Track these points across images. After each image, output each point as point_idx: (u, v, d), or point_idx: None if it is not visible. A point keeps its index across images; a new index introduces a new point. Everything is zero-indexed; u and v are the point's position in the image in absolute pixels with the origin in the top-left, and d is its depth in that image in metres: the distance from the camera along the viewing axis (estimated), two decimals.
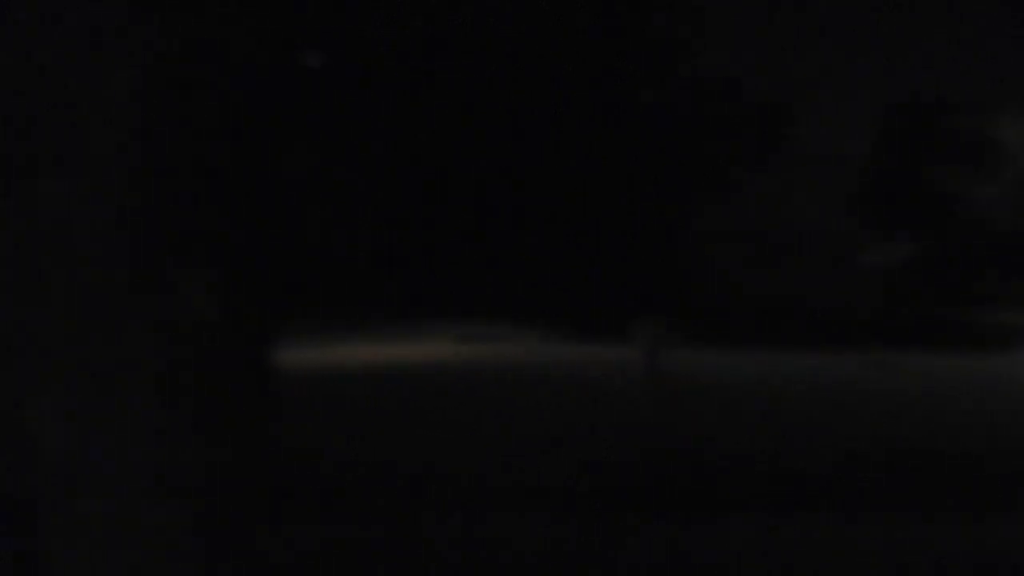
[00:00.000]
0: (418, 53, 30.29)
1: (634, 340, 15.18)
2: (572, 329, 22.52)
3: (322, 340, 20.16)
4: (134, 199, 2.47)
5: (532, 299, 26.33)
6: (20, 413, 2.46)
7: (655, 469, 8.72)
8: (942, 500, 7.90)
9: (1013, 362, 18.65)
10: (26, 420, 2.45)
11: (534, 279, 28.58)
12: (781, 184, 35.83)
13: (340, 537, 6.73)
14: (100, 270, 2.47)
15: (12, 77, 2.48)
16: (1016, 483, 8.33)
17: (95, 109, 2.47)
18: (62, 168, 2.45)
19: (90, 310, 2.47)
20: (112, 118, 2.48)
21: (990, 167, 36.99)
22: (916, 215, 36.97)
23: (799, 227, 34.22)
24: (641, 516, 7.32)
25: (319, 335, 20.84)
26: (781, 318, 24.90)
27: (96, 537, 2.50)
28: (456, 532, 6.84)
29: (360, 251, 29.48)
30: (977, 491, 8.22)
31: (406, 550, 6.48)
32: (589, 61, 31.15)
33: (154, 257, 2.48)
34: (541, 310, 25.02)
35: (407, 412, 12.06)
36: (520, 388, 14.53)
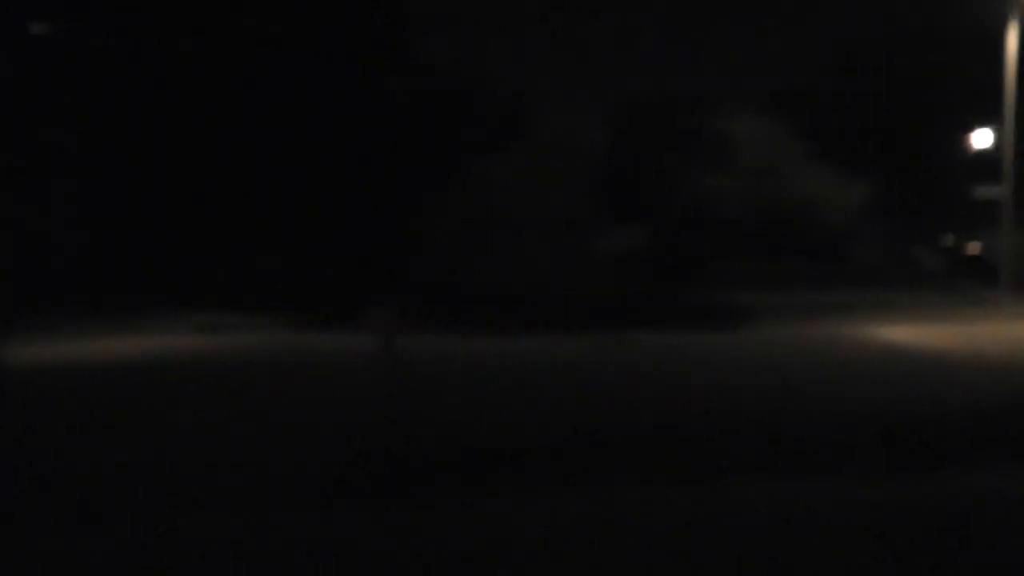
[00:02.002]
0: (135, 31, 29.20)
1: (370, 327, 14.84)
2: (312, 317, 22.04)
3: (61, 334, 19.06)
4: None
5: (272, 287, 25.74)
6: None
7: (393, 456, 8.44)
8: (658, 470, 7.99)
9: (740, 339, 19.33)
10: None
11: (273, 267, 27.92)
12: (520, 172, 36.22)
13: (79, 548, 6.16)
14: None
15: None
16: (733, 452, 8.53)
17: None
18: None
19: None
20: None
21: (720, 160, 38.60)
22: (649, 203, 38.21)
23: (537, 213, 34.69)
24: (378, 503, 7.09)
25: (59, 329, 19.79)
26: (519, 302, 25.06)
27: None
28: (200, 531, 6.41)
29: (87, 243, 28.09)
30: (694, 461, 8.34)
31: (151, 552, 6.00)
32: (328, 45, 30.62)
33: None
34: (281, 298, 24.45)
35: (143, 407, 11.34)
36: (258, 377, 13.99)
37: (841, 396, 11.92)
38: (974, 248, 44.57)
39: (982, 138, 35.89)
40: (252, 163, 29.58)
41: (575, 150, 38.81)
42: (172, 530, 6.41)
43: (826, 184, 38.07)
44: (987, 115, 29.31)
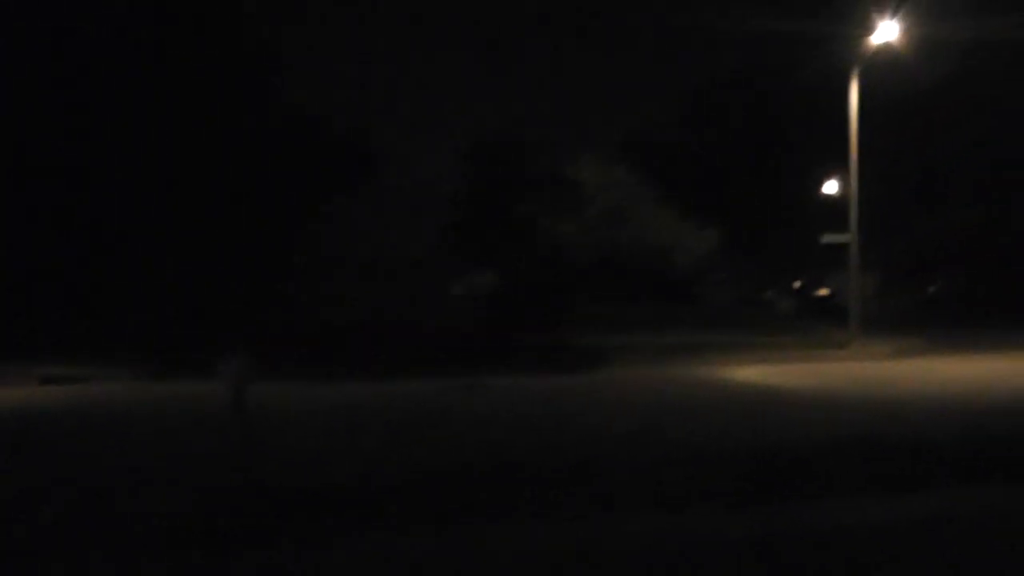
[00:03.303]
0: None
1: (221, 375, 14.14)
2: (163, 366, 21.23)
3: None
4: None
5: (123, 337, 24.81)
6: None
7: (232, 502, 8.09)
8: (503, 508, 7.79)
9: (592, 380, 19.17)
10: None
11: (123, 316, 26.91)
12: (375, 214, 35.72)
13: None
14: None
15: None
16: (568, 490, 8.28)
17: None
18: None
19: None
20: None
21: (571, 204, 38.80)
22: (503, 246, 38.12)
23: (390, 255, 34.18)
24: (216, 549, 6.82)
25: None
26: (372, 344, 24.59)
27: None
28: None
29: None
30: (538, 499, 8.06)
31: None
32: (184, 86, 29.50)
33: None
34: (131, 348, 23.56)
35: None
36: (103, 428, 13.26)
37: (689, 434, 11.89)
38: (823, 290, 45.69)
39: (830, 185, 36.83)
40: (99, 211, 28.50)
41: (430, 192, 38.60)
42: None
43: (677, 229, 38.55)
44: (838, 162, 29.98)
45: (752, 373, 20.55)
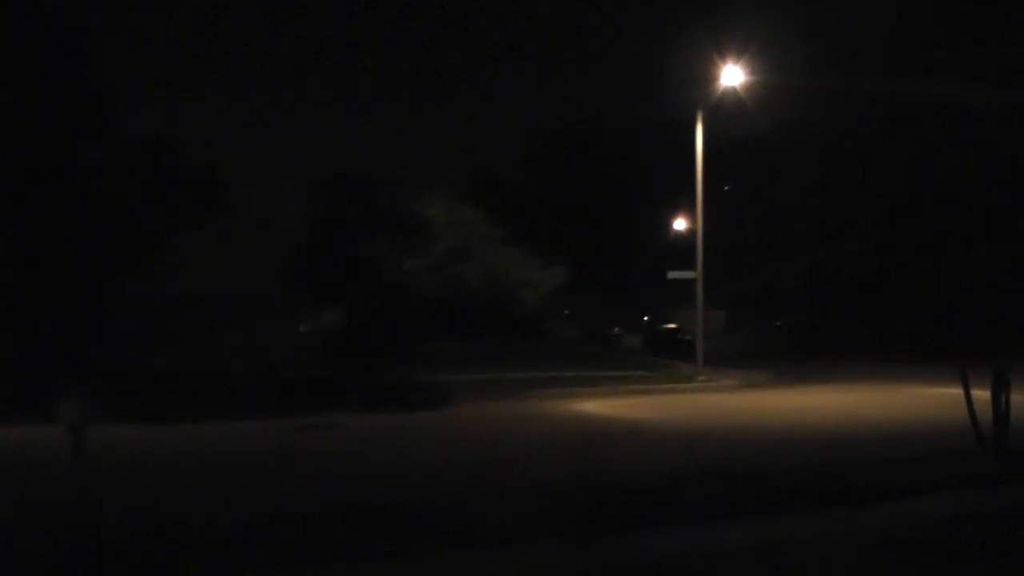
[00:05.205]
0: None
1: (59, 418, 13.19)
2: None
3: None
4: None
5: None
6: None
7: (78, 552, 7.70)
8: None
9: (439, 417, 18.85)
10: None
11: None
12: (218, 251, 34.71)
13: None
14: None
15: None
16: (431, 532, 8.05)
17: None
18: None
19: None
20: None
21: (419, 241, 38.57)
22: (350, 283, 37.53)
23: (239, 293, 33.22)
24: None
25: None
26: (218, 384, 23.69)
27: None
28: None
29: None
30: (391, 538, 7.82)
31: None
32: (19, 118, 28.09)
33: None
34: None
35: None
36: None
37: (534, 468, 11.85)
38: (671, 325, 46.33)
39: (679, 223, 37.42)
40: None
41: (278, 228, 37.80)
42: None
43: (523, 267, 38.64)
44: (687, 201, 30.50)
45: (599, 407, 20.64)
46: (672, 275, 29.92)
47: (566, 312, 56.08)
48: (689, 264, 28.34)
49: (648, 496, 9.41)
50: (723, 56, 26.68)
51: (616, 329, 54.02)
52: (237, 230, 34.67)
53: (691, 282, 28.31)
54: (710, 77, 26.92)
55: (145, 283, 32.18)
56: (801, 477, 10.31)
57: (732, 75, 26.45)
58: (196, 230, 33.99)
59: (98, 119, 31.96)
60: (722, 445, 13.72)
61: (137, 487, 11.06)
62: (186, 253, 33.08)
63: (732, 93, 27.05)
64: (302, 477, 11.68)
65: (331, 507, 9.20)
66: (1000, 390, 11.40)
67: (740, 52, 26.80)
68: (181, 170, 35.76)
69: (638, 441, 14.62)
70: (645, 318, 55.29)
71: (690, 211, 29.99)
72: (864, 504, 9.00)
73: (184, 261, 32.95)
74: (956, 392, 12.08)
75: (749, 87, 27.11)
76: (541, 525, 8.23)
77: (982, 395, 11.45)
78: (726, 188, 41.59)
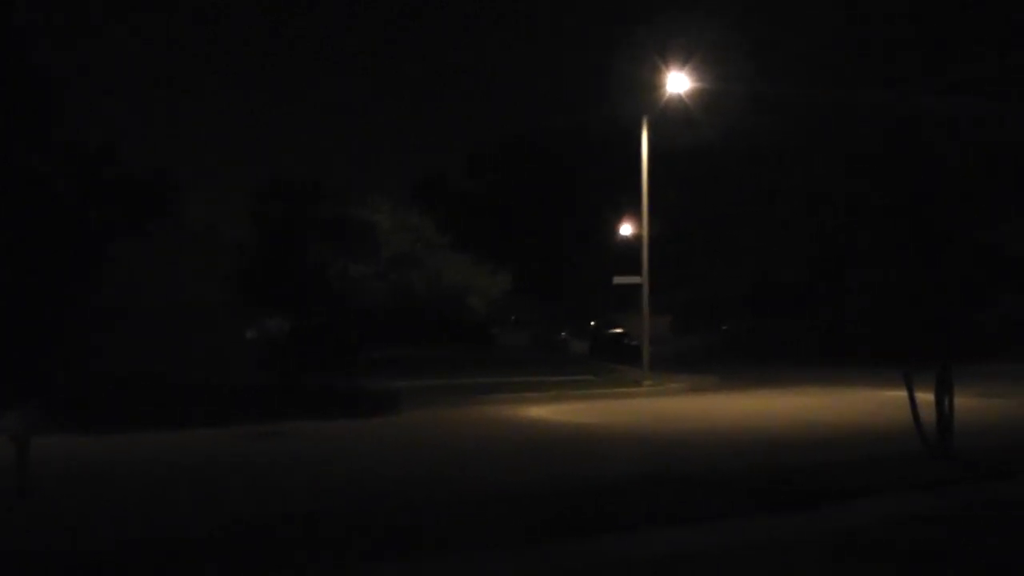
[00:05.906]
0: None
1: (2, 430, 12.94)
2: None
3: None
4: None
5: None
6: None
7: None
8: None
9: (387, 423, 18.83)
10: None
11: None
12: (164, 259, 34.32)
13: None
14: None
15: None
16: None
17: None
18: None
19: None
20: None
21: (365, 248, 38.40)
22: (296, 290, 37.27)
23: (184, 301, 32.89)
24: None
25: None
26: (165, 393, 23.40)
27: None
28: None
29: None
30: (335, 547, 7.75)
31: None
32: None
33: None
34: None
35: None
36: None
37: (481, 474, 11.87)
38: (618, 329, 46.52)
39: (625, 229, 37.56)
40: None
41: (224, 235, 37.46)
42: None
43: (470, 273, 38.59)
44: (633, 207, 30.65)
45: (546, 412, 20.75)
46: (618, 280, 30.08)
47: (514, 318, 56.16)
48: (636, 270, 28.48)
49: (599, 500, 9.42)
50: (668, 63, 26.85)
51: (563, 334, 54.20)
52: (183, 237, 34.31)
53: (638, 287, 28.46)
54: (655, 84, 27.08)
55: (90, 291, 31.73)
56: (753, 480, 10.39)
57: (677, 82, 26.61)
58: (141, 237, 33.58)
59: (39, 124, 31.47)
60: (671, 449, 13.80)
61: (81, 502, 10.86)
62: (131, 260, 32.65)
63: (678, 100, 27.22)
64: (249, 485, 11.59)
65: (281, 515, 9.12)
66: (943, 394, 11.59)
67: (685, 59, 27.01)
68: (125, 177, 35.26)
69: (583, 445, 14.73)
70: (592, 323, 55.53)
71: (637, 217, 30.13)
72: (817, 506, 9.11)
73: (129, 269, 32.52)
74: (901, 395, 12.22)
75: (694, 94, 27.31)
76: (491, 531, 8.22)
77: (926, 398, 11.61)
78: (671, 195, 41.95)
